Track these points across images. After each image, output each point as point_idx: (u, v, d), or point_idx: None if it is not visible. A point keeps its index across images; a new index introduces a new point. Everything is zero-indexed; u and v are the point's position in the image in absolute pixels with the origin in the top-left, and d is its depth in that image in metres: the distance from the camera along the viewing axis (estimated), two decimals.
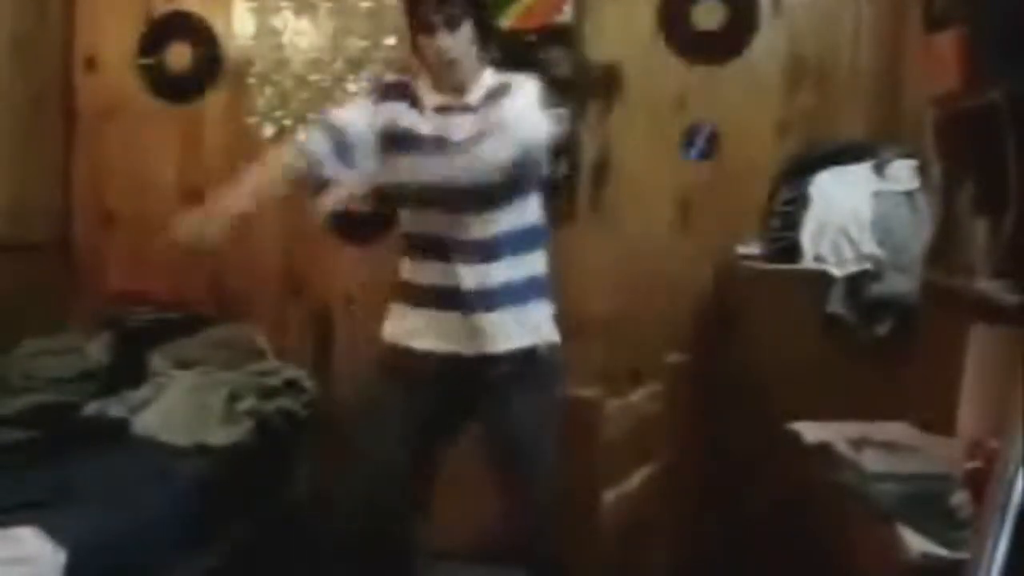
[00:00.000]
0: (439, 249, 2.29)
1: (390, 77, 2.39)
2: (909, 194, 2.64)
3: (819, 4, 3.12)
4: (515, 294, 2.31)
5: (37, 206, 3.43)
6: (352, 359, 3.18)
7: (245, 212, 2.19)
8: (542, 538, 2.21)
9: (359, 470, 2.35)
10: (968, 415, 2.01)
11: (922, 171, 2.63)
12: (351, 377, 3.15)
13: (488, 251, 2.27)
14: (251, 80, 3.37)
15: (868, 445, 1.96)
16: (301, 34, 3.33)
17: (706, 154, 3.17)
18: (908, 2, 2.86)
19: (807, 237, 2.70)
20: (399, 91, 2.36)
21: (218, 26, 3.44)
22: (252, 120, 3.38)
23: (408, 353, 2.34)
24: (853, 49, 3.09)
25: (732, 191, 3.09)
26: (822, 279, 2.62)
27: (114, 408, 2.87)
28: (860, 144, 2.83)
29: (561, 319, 3.00)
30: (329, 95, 3.32)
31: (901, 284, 2.54)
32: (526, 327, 2.31)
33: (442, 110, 2.32)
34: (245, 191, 2.22)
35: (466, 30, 2.28)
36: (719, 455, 2.79)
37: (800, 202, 2.75)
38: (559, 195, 3.21)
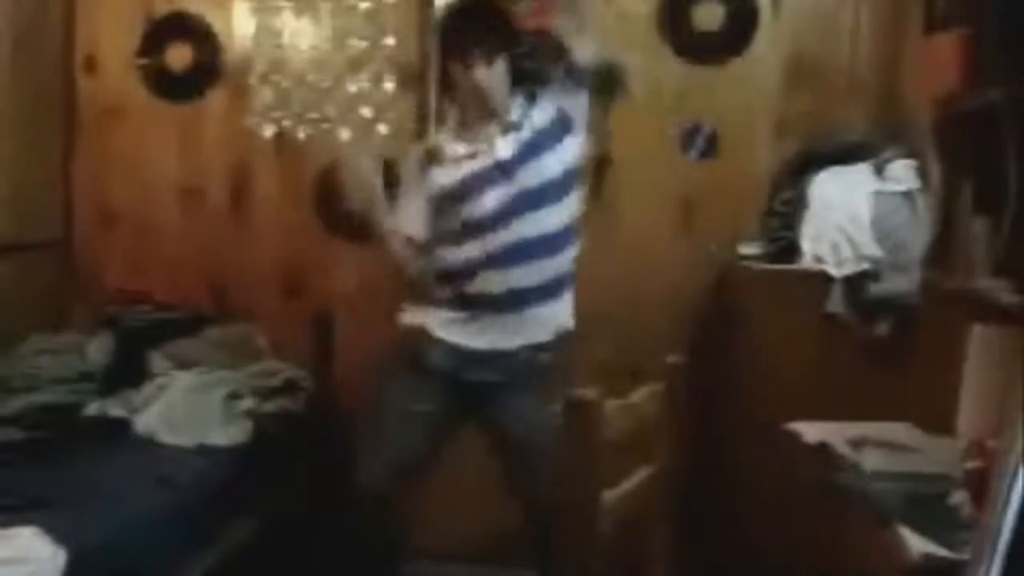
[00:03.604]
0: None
1: (420, 148, 2.63)
2: (909, 194, 2.64)
3: (819, 4, 3.12)
4: None
5: (37, 206, 3.43)
6: (352, 359, 3.18)
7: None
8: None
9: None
10: (968, 415, 2.00)
11: (922, 171, 2.63)
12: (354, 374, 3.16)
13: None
14: (251, 80, 3.37)
15: (868, 445, 1.95)
16: (301, 34, 3.33)
17: (706, 154, 3.17)
18: (908, 2, 2.86)
19: (806, 237, 2.70)
20: (434, 156, 2.53)
21: (218, 26, 3.43)
22: (252, 120, 3.38)
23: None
24: (853, 49, 3.09)
25: (732, 191, 3.09)
26: (822, 279, 2.62)
27: (114, 408, 2.87)
28: (860, 144, 2.83)
29: None
30: (329, 95, 3.32)
31: (901, 284, 2.54)
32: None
33: (469, 157, 2.47)
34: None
35: (500, 65, 2.41)
36: (719, 455, 2.79)
37: (799, 202, 2.75)
38: None
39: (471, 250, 2.43)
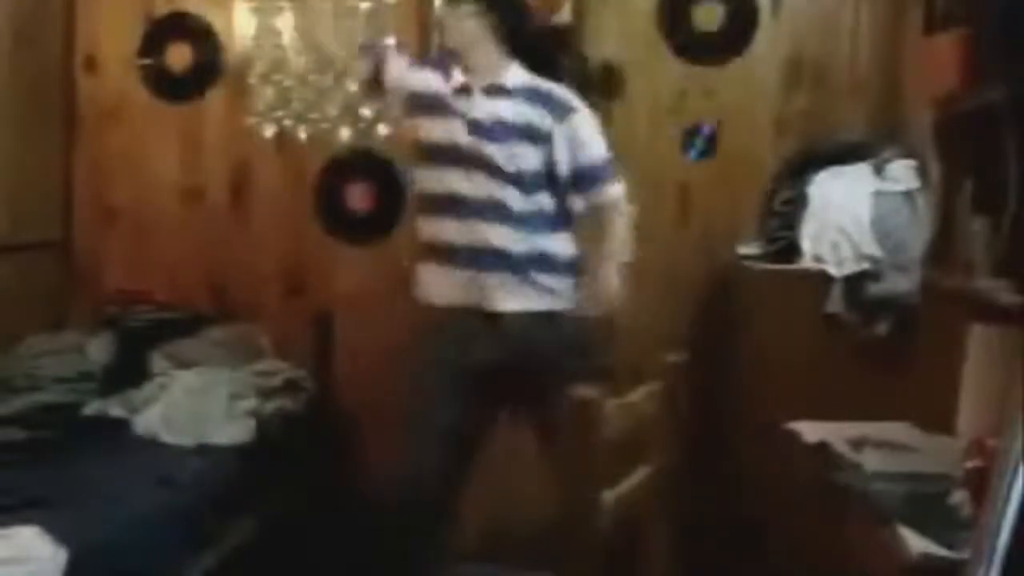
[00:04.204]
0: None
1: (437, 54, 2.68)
2: (909, 194, 2.65)
3: (819, 4, 3.12)
4: None
5: (37, 206, 3.43)
6: (352, 359, 3.18)
7: None
8: None
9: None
10: (968, 415, 2.01)
11: (922, 171, 2.64)
12: (354, 374, 3.16)
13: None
14: (251, 80, 3.37)
15: (868, 445, 1.96)
16: (301, 34, 3.33)
17: (706, 154, 3.17)
18: (908, 2, 2.87)
19: (806, 237, 2.70)
20: (438, 63, 2.56)
21: (218, 26, 3.43)
22: (252, 120, 3.38)
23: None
24: (853, 49, 3.09)
25: (732, 191, 3.09)
26: (822, 279, 2.62)
27: (114, 408, 2.87)
28: (860, 144, 2.83)
29: None
30: (329, 95, 3.32)
31: (901, 284, 2.54)
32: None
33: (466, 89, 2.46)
34: None
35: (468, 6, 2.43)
36: (719, 455, 2.79)
37: (799, 202, 2.75)
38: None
39: (450, 180, 2.42)
